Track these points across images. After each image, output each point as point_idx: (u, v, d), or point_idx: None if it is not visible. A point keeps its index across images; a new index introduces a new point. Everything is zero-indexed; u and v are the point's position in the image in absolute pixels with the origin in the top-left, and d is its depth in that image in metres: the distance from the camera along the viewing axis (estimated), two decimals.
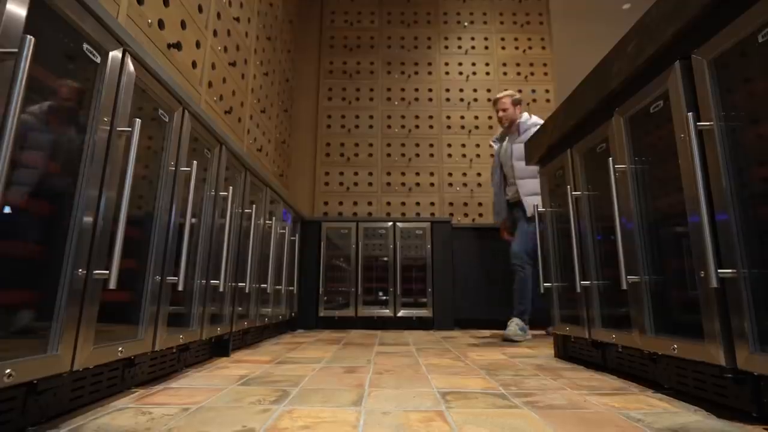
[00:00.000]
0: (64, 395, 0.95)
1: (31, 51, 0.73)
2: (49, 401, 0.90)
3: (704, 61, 1.03)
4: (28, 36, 0.73)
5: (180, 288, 1.34)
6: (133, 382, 1.23)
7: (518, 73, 4.66)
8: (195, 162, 1.42)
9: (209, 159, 1.69)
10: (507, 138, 3.05)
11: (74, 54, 0.94)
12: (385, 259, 3.52)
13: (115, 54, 1.06)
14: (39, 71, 0.85)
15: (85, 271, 0.95)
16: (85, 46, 0.97)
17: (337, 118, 4.57)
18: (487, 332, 3.19)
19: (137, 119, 1.06)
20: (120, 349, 1.09)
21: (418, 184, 4.44)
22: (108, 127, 1.03)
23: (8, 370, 0.75)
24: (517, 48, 4.73)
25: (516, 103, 3.01)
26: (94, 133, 0.99)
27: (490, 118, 4.55)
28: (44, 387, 0.87)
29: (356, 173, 4.44)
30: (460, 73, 4.65)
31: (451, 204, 4.39)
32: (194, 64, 2.15)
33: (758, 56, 0.91)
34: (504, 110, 3.00)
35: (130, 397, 1.12)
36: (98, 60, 1.01)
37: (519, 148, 2.87)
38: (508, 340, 2.56)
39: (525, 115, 3.03)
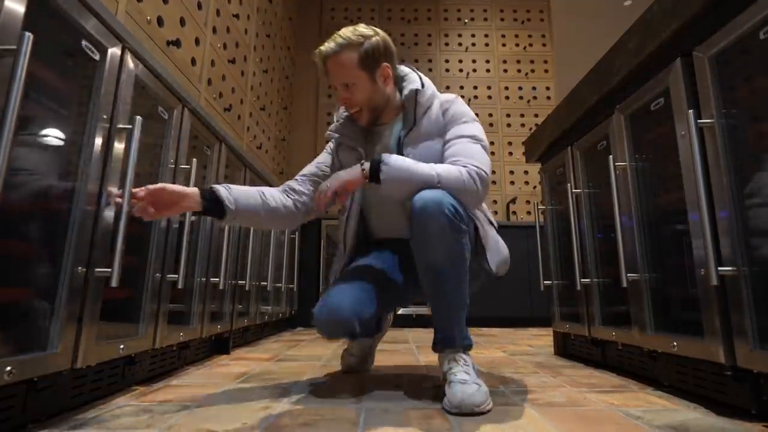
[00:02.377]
0: (64, 393, 0.95)
1: (29, 48, 0.73)
2: (49, 399, 0.90)
3: (705, 59, 1.03)
4: (27, 33, 0.73)
5: (180, 286, 1.34)
6: (134, 380, 1.23)
7: (519, 71, 4.64)
8: (195, 159, 1.42)
9: (209, 156, 1.68)
10: (380, 132, 1.26)
11: (73, 51, 0.94)
12: None
13: (114, 51, 1.06)
14: (37, 68, 0.84)
15: (85, 269, 0.95)
16: (84, 43, 0.96)
17: None
18: (487, 330, 3.20)
19: (138, 117, 1.06)
20: (121, 346, 1.10)
21: None
22: (108, 125, 1.03)
23: (8, 368, 0.75)
24: (517, 45, 4.72)
25: (370, 60, 1.15)
26: (94, 130, 0.98)
27: (490, 115, 4.54)
28: (44, 385, 0.87)
29: None
30: (461, 71, 4.63)
31: None
32: (193, 62, 2.14)
33: (759, 53, 0.91)
34: (351, 84, 1.16)
35: (131, 395, 1.12)
36: (97, 57, 1.01)
37: (429, 150, 1.18)
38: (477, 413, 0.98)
39: (413, 77, 1.24)
